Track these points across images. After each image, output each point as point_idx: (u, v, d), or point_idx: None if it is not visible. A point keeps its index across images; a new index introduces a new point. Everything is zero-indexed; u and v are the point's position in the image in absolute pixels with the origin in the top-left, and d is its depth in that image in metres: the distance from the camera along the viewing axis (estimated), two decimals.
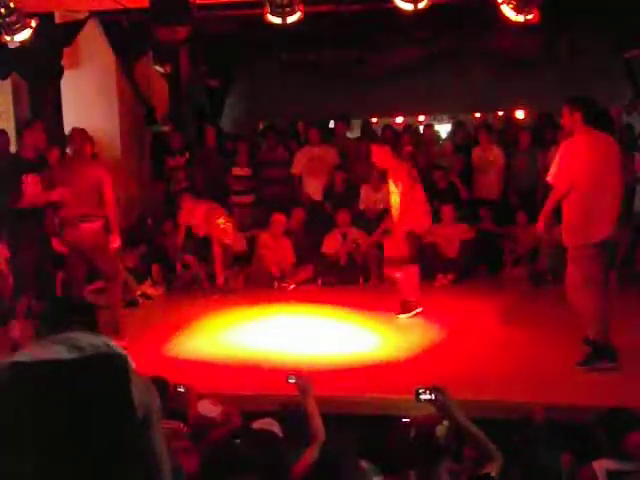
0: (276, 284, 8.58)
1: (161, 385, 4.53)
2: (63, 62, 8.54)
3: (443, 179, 9.10)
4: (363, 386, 5.27)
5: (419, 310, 6.93)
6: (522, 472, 3.45)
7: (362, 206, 9.15)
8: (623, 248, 8.08)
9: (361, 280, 8.59)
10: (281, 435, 3.96)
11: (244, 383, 5.34)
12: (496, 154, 9.24)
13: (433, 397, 3.74)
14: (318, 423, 3.91)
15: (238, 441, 3.63)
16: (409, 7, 6.35)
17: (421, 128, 12.18)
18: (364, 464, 3.40)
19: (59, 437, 0.86)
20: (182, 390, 4.60)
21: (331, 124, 11.01)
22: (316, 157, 9.44)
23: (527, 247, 8.59)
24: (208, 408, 4.44)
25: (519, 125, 11.26)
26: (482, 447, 3.63)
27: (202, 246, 8.58)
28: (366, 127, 11.58)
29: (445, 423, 3.64)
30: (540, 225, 5.71)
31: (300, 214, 9.02)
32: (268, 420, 4.08)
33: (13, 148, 8.30)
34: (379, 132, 10.71)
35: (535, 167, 9.00)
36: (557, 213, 8.47)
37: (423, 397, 3.74)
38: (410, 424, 3.71)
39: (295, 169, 9.49)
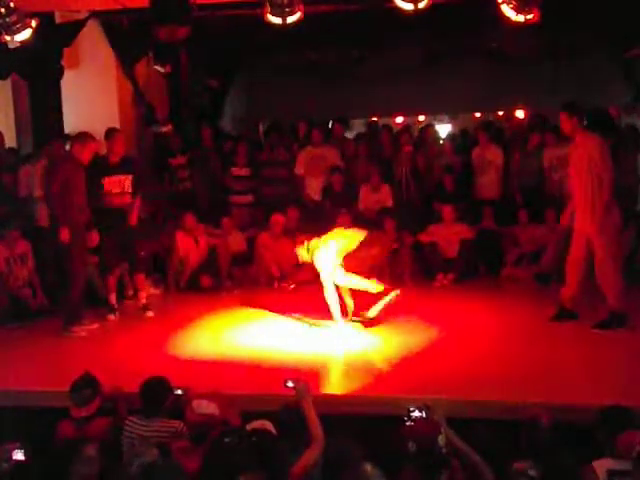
0: (276, 284, 8.58)
1: (163, 385, 4.54)
2: (63, 62, 8.53)
3: (451, 182, 9.09)
4: (363, 386, 5.27)
5: None
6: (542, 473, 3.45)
7: (361, 206, 9.15)
8: (626, 246, 8.07)
9: None
10: (276, 435, 3.98)
11: (244, 383, 5.33)
12: (495, 154, 9.24)
13: (423, 414, 3.78)
14: (316, 426, 3.92)
15: (227, 440, 3.63)
16: (409, 7, 6.35)
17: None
18: (368, 467, 3.40)
19: None
20: (180, 393, 4.61)
21: (330, 124, 11.00)
22: (317, 157, 9.44)
23: (530, 246, 8.59)
24: (204, 406, 4.44)
25: (527, 125, 11.23)
26: (473, 463, 3.65)
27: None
28: (371, 127, 11.58)
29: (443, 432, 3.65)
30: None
31: (294, 213, 9.00)
32: (262, 422, 4.09)
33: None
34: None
35: (539, 166, 9.03)
36: (558, 213, 8.53)
37: (414, 414, 3.78)
38: (409, 435, 3.71)
39: (298, 169, 9.49)
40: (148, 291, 8.10)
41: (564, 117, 6.45)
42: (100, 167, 7.16)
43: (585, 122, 6.47)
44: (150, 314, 7.39)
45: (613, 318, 6.26)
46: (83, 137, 7.00)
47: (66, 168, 6.84)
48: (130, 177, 7.30)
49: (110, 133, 7.40)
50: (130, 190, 7.30)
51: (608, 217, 6.22)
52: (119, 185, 7.25)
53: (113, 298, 7.40)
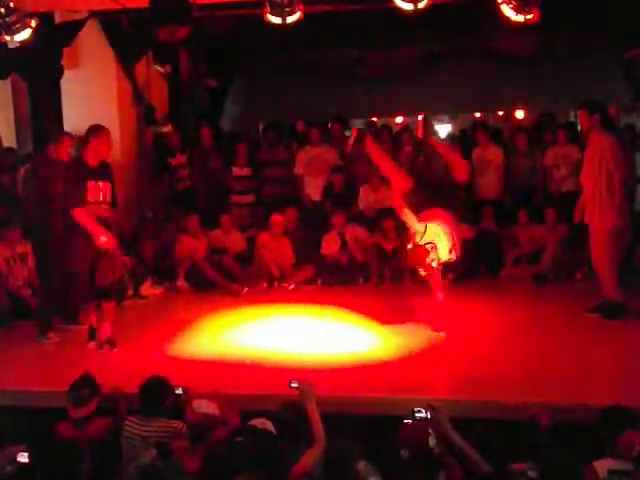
0: (276, 284, 8.58)
1: (162, 385, 4.54)
2: (63, 62, 8.53)
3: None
4: (363, 386, 5.26)
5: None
6: (541, 473, 3.46)
7: (361, 206, 9.15)
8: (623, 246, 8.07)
9: (361, 280, 8.59)
10: (276, 435, 3.99)
11: (244, 383, 5.33)
12: (495, 153, 9.25)
13: (428, 415, 3.79)
14: (319, 427, 3.92)
15: (239, 439, 3.64)
16: (409, 7, 6.35)
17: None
18: (362, 464, 3.41)
19: None
20: (180, 392, 4.61)
21: (330, 124, 11.00)
22: (316, 157, 9.44)
23: (529, 246, 8.59)
24: (204, 406, 4.45)
25: (517, 126, 11.27)
26: (474, 463, 3.66)
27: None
28: (371, 127, 11.57)
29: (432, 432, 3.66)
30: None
31: (293, 213, 9.00)
32: (261, 420, 4.09)
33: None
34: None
35: (533, 167, 9.06)
36: (559, 213, 8.52)
37: (418, 415, 3.79)
38: (400, 443, 3.71)
39: (298, 169, 9.49)
40: (149, 291, 8.11)
41: (583, 114, 6.49)
42: (78, 169, 6.19)
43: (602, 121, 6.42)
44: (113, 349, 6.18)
45: (612, 309, 6.34)
46: (56, 136, 6.81)
47: (43, 171, 6.66)
48: (109, 185, 6.27)
49: (96, 130, 6.24)
50: (109, 200, 6.27)
51: (614, 216, 6.27)
52: (96, 193, 6.17)
53: (93, 319, 6.36)
